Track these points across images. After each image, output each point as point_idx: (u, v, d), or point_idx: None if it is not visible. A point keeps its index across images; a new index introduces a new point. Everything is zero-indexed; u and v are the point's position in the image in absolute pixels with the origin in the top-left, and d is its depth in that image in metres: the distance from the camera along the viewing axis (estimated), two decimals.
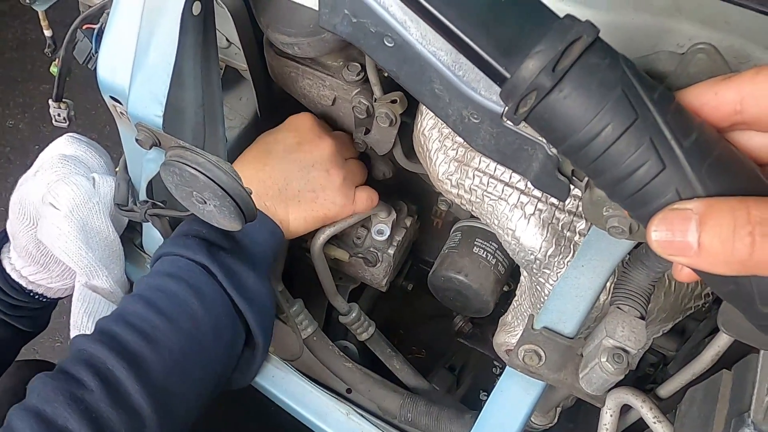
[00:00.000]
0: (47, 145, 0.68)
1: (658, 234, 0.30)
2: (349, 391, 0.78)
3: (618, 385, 0.49)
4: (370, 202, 0.74)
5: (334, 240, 0.77)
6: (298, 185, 0.68)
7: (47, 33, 0.86)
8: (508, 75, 0.31)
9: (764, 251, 0.27)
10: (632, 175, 0.30)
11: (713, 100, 0.30)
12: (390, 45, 0.40)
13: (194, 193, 0.52)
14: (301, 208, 0.68)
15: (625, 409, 0.65)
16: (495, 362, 1.09)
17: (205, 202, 0.53)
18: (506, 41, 0.31)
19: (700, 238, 0.28)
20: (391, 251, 0.79)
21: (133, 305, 0.57)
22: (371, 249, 0.79)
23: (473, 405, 1.03)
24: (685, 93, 0.31)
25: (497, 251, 0.75)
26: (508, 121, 0.37)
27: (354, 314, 0.82)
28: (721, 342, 0.56)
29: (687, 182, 0.29)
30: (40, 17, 0.85)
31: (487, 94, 0.40)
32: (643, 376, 0.84)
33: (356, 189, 0.73)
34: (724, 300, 0.35)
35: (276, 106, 0.81)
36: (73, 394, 0.50)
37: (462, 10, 0.32)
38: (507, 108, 0.31)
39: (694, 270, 0.31)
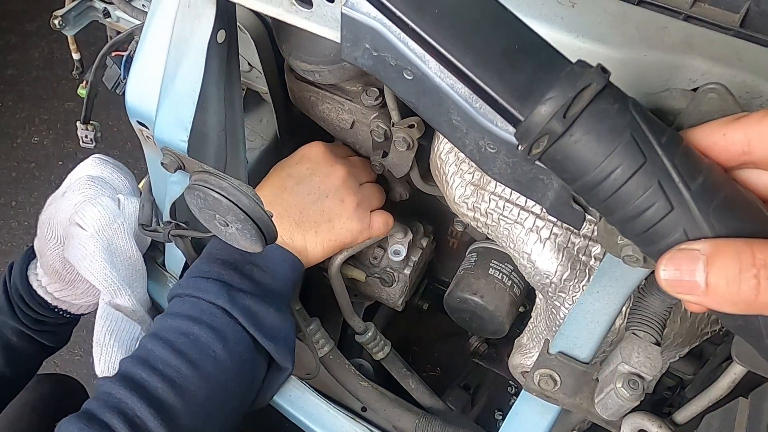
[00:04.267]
0: (71, 161, 0.70)
1: (666, 273, 0.30)
2: (364, 409, 0.78)
3: (635, 408, 0.49)
4: (385, 226, 0.74)
5: (351, 260, 0.77)
6: (314, 216, 0.69)
7: (75, 56, 0.89)
8: (521, 118, 0.32)
9: None
10: (641, 215, 0.31)
11: (722, 140, 0.31)
12: (409, 78, 0.41)
13: (217, 216, 0.54)
14: (318, 238, 0.69)
15: None
16: (510, 382, 1.09)
17: (228, 225, 0.54)
18: (520, 87, 0.32)
19: (708, 278, 0.29)
20: (407, 271, 0.79)
21: (159, 349, 0.57)
22: (388, 269, 0.79)
23: (488, 424, 1.02)
24: (694, 132, 0.32)
25: (513, 273, 0.75)
26: None
27: (370, 333, 0.82)
28: (737, 369, 0.55)
29: (694, 223, 0.30)
30: (69, 41, 0.88)
31: (504, 126, 0.40)
32: (661, 400, 0.83)
33: (372, 213, 0.73)
34: (734, 333, 0.35)
35: (296, 127, 0.82)
36: None
37: (477, 56, 0.33)
38: (521, 148, 0.33)
39: None
